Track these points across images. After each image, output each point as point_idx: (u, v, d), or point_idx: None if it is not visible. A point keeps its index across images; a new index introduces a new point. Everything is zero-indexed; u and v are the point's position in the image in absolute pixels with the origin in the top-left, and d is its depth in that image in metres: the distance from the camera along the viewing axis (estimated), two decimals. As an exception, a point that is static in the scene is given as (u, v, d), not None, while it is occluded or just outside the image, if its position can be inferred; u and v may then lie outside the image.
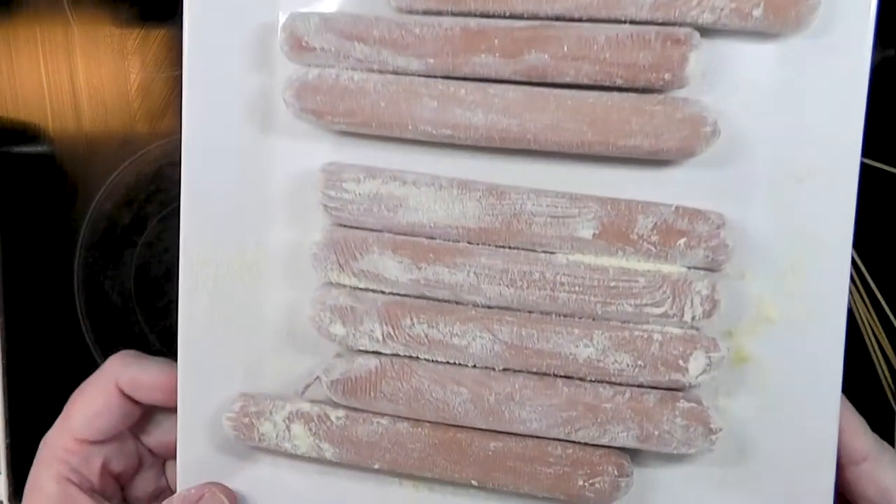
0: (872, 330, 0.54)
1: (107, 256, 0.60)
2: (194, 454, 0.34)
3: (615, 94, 0.31)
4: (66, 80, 0.58)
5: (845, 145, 0.32)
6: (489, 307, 0.33)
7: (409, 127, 0.31)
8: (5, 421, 0.59)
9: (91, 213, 0.59)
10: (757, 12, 0.30)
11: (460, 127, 0.31)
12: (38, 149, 0.59)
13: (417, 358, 0.33)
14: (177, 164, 0.52)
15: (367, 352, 0.33)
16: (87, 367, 0.57)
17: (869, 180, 0.50)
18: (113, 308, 0.60)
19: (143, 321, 0.60)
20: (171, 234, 0.58)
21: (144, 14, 0.58)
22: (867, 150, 0.51)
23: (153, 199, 0.59)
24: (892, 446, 0.49)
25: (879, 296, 0.54)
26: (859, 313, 0.54)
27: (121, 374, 0.36)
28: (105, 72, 0.58)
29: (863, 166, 0.42)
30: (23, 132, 0.58)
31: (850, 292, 0.53)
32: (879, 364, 0.54)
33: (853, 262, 0.53)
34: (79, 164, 0.59)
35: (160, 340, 0.60)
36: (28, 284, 0.60)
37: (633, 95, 0.31)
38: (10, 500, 0.60)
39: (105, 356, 0.55)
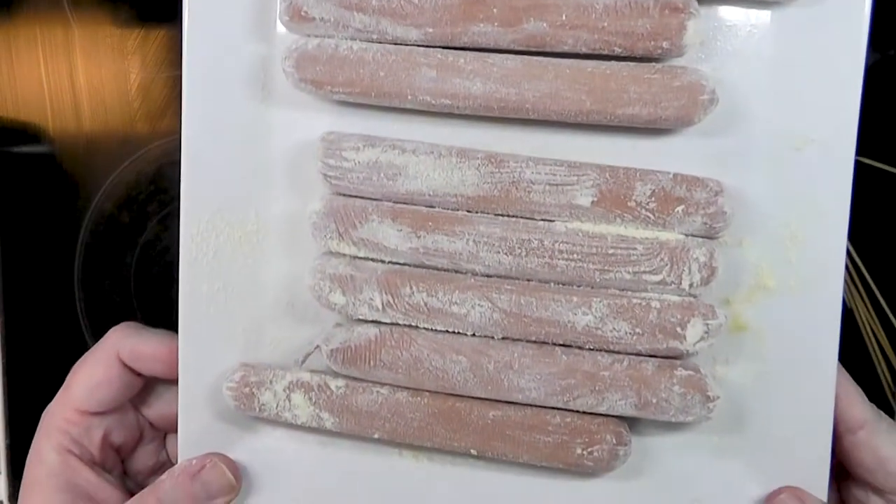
0: (872, 330, 0.54)
1: (107, 256, 0.60)
2: (195, 425, 0.35)
3: (613, 63, 0.31)
4: (66, 80, 0.58)
5: (843, 113, 0.32)
6: (488, 275, 0.33)
7: (409, 96, 0.31)
8: (5, 421, 0.60)
9: (91, 213, 0.59)
10: None
11: (459, 96, 0.31)
12: (38, 149, 0.59)
13: (417, 327, 0.33)
14: (177, 164, 0.53)
15: (366, 321, 0.34)
16: None
17: (869, 180, 0.54)
18: (113, 308, 0.60)
19: (143, 321, 0.54)
20: (172, 234, 0.58)
21: (144, 14, 0.58)
22: (867, 151, 0.53)
23: (153, 199, 0.59)
24: None
25: (879, 296, 0.54)
26: (859, 313, 0.54)
27: (122, 345, 0.36)
28: (105, 72, 0.58)
29: (863, 166, 0.46)
30: (23, 132, 0.58)
31: (851, 293, 0.54)
32: (879, 364, 0.54)
33: (853, 263, 0.53)
34: (79, 164, 0.59)
35: None
36: (28, 284, 0.60)
37: (631, 64, 0.31)
38: (9, 500, 0.60)
39: None
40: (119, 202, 0.59)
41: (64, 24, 0.58)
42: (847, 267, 0.53)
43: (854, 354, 0.55)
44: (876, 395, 0.55)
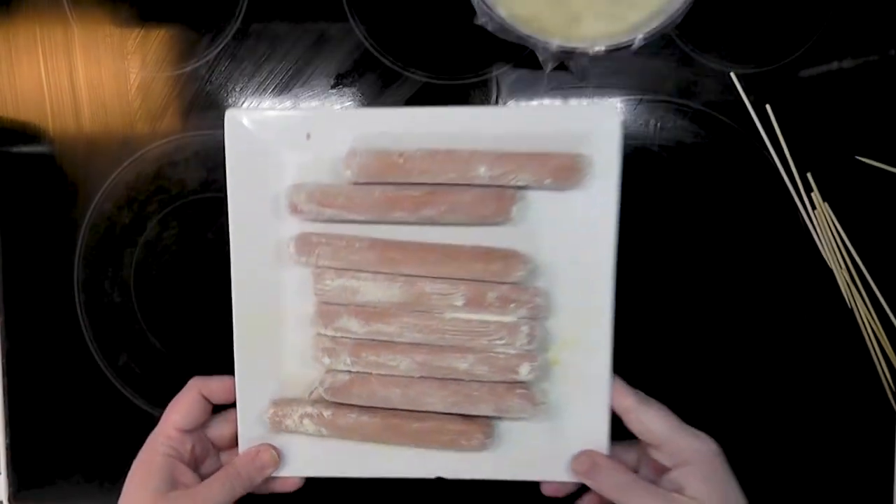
0: (872, 330, 0.54)
1: (107, 256, 0.59)
2: (249, 433, 0.56)
3: (472, 233, 0.54)
4: (66, 80, 0.57)
5: (602, 252, 0.54)
6: (410, 343, 0.56)
7: (358, 265, 0.54)
8: (5, 421, 0.59)
9: (91, 213, 0.58)
10: (548, 181, 0.53)
11: (386, 263, 0.54)
12: (38, 149, 0.57)
13: (370, 373, 0.56)
14: (176, 164, 0.59)
15: (343, 371, 0.57)
16: (87, 367, 0.62)
17: (869, 180, 0.55)
18: (113, 308, 0.60)
19: (142, 321, 0.61)
20: (171, 233, 0.60)
21: (144, 14, 0.57)
22: (867, 150, 0.55)
23: (153, 199, 0.59)
24: (893, 446, 0.58)
25: (880, 296, 0.54)
26: (859, 313, 0.55)
27: (201, 385, 0.55)
28: (105, 72, 0.56)
29: (863, 166, 0.52)
30: (23, 132, 0.57)
31: (851, 293, 0.56)
32: (879, 364, 0.55)
33: (854, 263, 0.56)
34: (79, 164, 0.57)
35: (160, 340, 0.62)
36: (28, 284, 0.59)
37: (480, 247, 0.54)
38: (10, 500, 0.59)
39: (105, 356, 0.62)
40: (119, 202, 0.58)
41: (64, 23, 0.56)
42: (848, 267, 0.57)
43: (854, 354, 0.57)
44: (876, 394, 0.57)
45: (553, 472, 0.57)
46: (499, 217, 0.55)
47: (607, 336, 0.56)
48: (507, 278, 0.55)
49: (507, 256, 0.55)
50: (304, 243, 0.55)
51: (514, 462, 0.57)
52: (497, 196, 0.54)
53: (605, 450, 0.56)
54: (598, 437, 0.56)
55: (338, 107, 0.55)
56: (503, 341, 0.56)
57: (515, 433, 0.57)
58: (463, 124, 0.55)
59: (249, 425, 0.58)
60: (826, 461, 0.55)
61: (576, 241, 0.55)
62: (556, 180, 0.54)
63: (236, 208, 0.55)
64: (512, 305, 0.55)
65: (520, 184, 0.54)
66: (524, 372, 0.56)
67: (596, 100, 0.58)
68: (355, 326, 0.56)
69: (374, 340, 0.57)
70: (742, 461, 0.54)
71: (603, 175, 0.55)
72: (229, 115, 0.54)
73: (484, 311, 0.56)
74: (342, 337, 0.57)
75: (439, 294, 0.56)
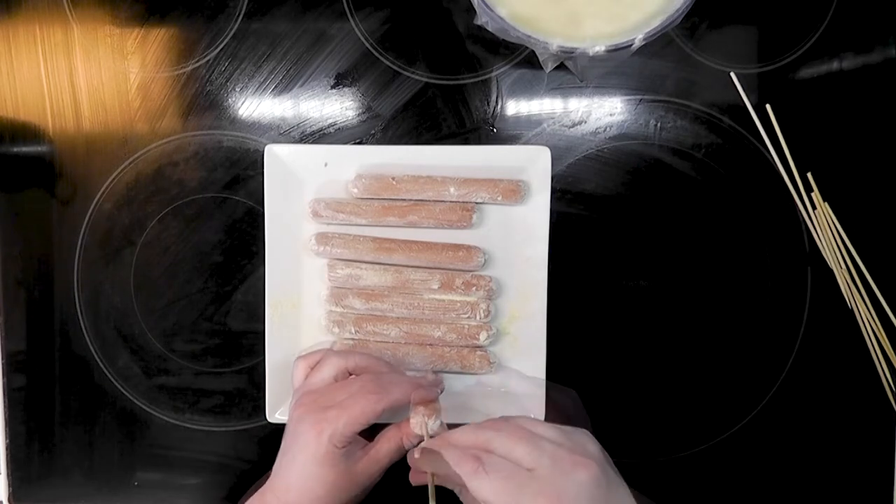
0: (872, 330, 0.53)
1: (107, 256, 0.59)
2: (276, 388, 0.76)
3: (443, 234, 0.76)
4: (66, 80, 0.56)
5: (537, 250, 0.75)
6: (398, 317, 0.77)
7: (365, 258, 0.75)
8: (5, 421, 0.58)
9: (91, 213, 0.57)
10: (498, 198, 0.75)
11: (384, 256, 0.74)
12: (38, 149, 0.56)
13: (369, 340, 0.77)
14: (176, 164, 0.59)
15: (348, 338, 0.77)
16: (87, 368, 0.61)
17: (868, 180, 0.54)
18: (113, 308, 0.60)
19: (142, 321, 0.62)
20: (170, 234, 0.60)
21: (144, 14, 0.56)
22: (867, 150, 0.53)
23: (153, 199, 0.59)
24: (893, 446, 0.56)
25: (880, 295, 0.53)
26: (859, 313, 0.53)
27: (386, 401, 0.60)
28: (105, 72, 0.56)
29: (864, 165, 0.50)
30: (23, 132, 0.56)
31: (851, 293, 0.53)
32: (879, 364, 0.54)
33: (855, 263, 0.55)
34: (79, 164, 0.57)
35: (159, 340, 0.62)
36: (28, 284, 0.58)
37: (449, 242, 0.75)
38: (9, 499, 0.58)
39: (105, 356, 0.62)
40: (119, 202, 0.58)
41: (64, 23, 0.55)
42: (848, 267, 0.56)
43: (854, 354, 0.55)
44: (876, 394, 0.55)
45: (503, 413, 0.76)
46: (463, 223, 0.75)
47: (542, 317, 0.76)
48: (468, 266, 0.76)
49: (469, 249, 0.75)
50: (322, 239, 0.76)
51: (475, 408, 0.77)
52: (462, 208, 0.75)
53: (541, 397, 0.76)
54: (536, 388, 0.74)
55: (339, 106, 0.65)
56: (467, 315, 0.76)
57: (471, 385, 0.75)
58: (439, 158, 0.75)
59: (276, 382, 0.77)
60: (826, 461, 0.53)
61: (518, 241, 0.74)
62: (505, 198, 0.75)
63: (272, 215, 0.75)
64: (473, 289, 0.76)
65: (478, 200, 0.75)
66: (482, 338, 0.74)
67: (532, 144, 0.77)
68: (358, 304, 0.76)
69: (371, 315, 0.76)
70: (741, 461, 0.55)
71: (538, 194, 0.75)
72: (268, 149, 0.74)
73: (452, 293, 0.76)
74: (348, 312, 0.77)
75: (420, 280, 0.76)
